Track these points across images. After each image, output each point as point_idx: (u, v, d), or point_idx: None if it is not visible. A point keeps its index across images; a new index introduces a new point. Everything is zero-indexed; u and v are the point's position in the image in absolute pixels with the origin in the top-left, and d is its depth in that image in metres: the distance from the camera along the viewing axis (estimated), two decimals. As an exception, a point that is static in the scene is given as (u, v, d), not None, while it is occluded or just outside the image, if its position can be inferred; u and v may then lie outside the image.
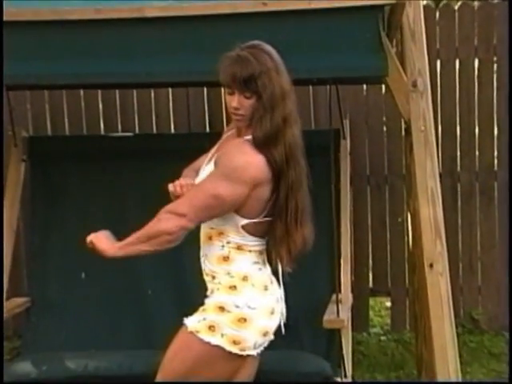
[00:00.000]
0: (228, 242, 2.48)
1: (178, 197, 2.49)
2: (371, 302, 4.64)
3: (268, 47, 2.44)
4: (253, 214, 2.45)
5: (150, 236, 2.41)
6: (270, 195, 2.44)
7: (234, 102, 2.42)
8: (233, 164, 2.39)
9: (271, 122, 2.39)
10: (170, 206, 2.44)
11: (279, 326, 2.55)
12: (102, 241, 2.47)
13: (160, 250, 2.44)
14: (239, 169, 2.38)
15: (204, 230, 2.53)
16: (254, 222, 2.46)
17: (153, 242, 2.41)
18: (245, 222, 2.45)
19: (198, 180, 2.52)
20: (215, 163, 2.45)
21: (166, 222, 2.40)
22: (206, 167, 2.52)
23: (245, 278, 2.48)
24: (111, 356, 3.08)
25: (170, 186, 2.53)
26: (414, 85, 2.92)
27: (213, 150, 2.60)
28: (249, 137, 2.44)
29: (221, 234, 2.48)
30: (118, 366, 2.98)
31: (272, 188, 2.43)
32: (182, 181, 2.54)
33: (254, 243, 2.50)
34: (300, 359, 3.04)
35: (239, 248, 2.48)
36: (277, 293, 2.55)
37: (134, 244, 2.44)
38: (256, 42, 2.45)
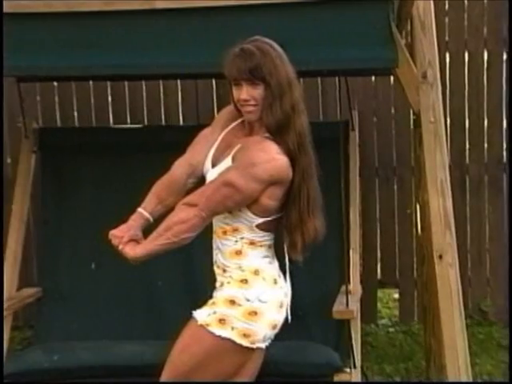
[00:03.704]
0: (242, 238, 2.50)
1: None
2: (379, 293, 4.65)
3: (268, 40, 2.48)
4: (268, 213, 2.47)
5: (166, 228, 2.43)
6: (286, 194, 2.46)
7: (243, 93, 2.43)
8: (251, 160, 2.40)
9: (281, 109, 2.41)
10: (183, 200, 2.46)
11: (286, 318, 2.57)
12: (125, 242, 2.49)
13: (178, 242, 2.44)
14: (257, 165, 2.40)
15: (218, 224, 2.54)
16: (269, 220, 2.48)
17: (169, 234, 2.42)
18: (260, 221, 2.48)
19: (211, 174, 2.52)
20: (233, 158, 2.46)
21: (180, 213, 2.43)
22: (220, 164, 2.50)
23: (256, 272, 2.50)
24: (122, 346, 3.09)
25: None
26: (424, 76, 2.92)
27: (219, 142, 2.58)
28: (266, 134, 2.46)
29: (235, 230, 2.50)
30: (128, 356, 2.99)
31: (289, 187, 2.45)
32: (115, 231, 2.52)
33: (265, 238, 2.52)
34: (309, 350, 3.04)
35: (252, 243, 2.50)
36: (284, 287, 2.57)
37: (153, 240, 2.46)
38: (256, 37, 2.48)
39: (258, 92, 2.42)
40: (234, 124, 2.62)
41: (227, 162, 2.48)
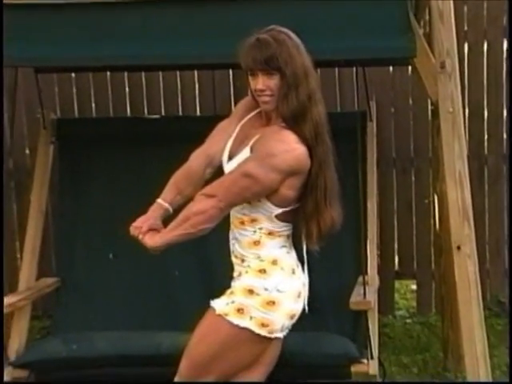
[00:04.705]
0: (260, 228, 2.50)
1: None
2: (397, 284, 4.64)
3: (285, 29, 2.46)
4: (287, 203, 2.47)
5: (184, 219, 2.44)
6: (304, 184, 2.46)
7: (259, 83, 2.43)
8: (270, 150, 2.40)
9: (297, 98, 2.41)
10: (202, 190, 2.47)
11: (303, 308, 2.57)
12: (145, 232, 2.50)
13: (196, 233, 2.45)
14: (276, 156, 2.39)
15: (236, 215, 2.54)
16: (287, 211, 2.48)
17: (187, 225, 2.43)
18: (279, 211, 2.47)
19: (230, 165, 2.52)
20: (252, 149, 2.46)
21: (198, 204, 2.43)
22: (238, 155, 2.50)
23: (274, 262, 2.50)
24: (139, 336, 3.11)
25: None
26: (442, 66, 2.90)
27: (236, 134, 2.58)
28: (283, 123, 2.45)
29: (254, 220, 2.50)
30: (146, 346, 3.01)
31: (306, 177, 2.45)
32: (134, 223, 2.52)
33: (283, 228, 2.52)
34: (326, 340, 3.05)
35: (270, 234, 2.50)
36: (302, 277, 2.57)
37: (172, 230, 2.47)
38: (272, 26, 2.46)
39: (273, 82, 2.42)
40: (250, 115, 2.61)
41: (245, 153, 2.48)
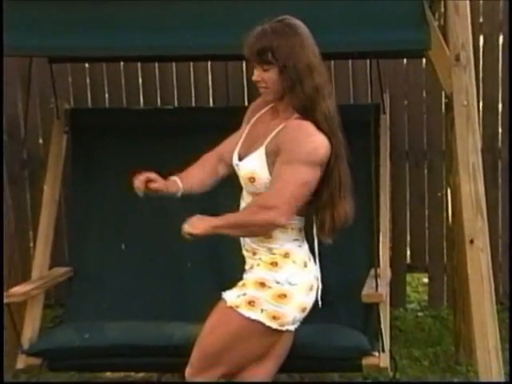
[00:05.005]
0: None
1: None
2: (408, 277, 4.63)
3: (294, 21, 2.42)
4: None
5: (239, 225, 2.46)
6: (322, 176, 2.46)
7: (254, 74, 2.44)
8: (304, 149, 2.38)
9: (303, 92, 2.40)
10: (260, 200, 2.43)
11: (316, 301, 2.57)
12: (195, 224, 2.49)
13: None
14: (312, 152, 2.39)
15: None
16: (302, 203, 2.47)
17: (242, 231, 2.48)
18: None
19: (244, 163, 2.51)
20: (276, 151, 2.42)
21: (255, 216, 2.42)
22: (252, 155, 2.49)
23: (286, 255, 2.49)
24: (151, 326, 3.12)
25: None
26: (457, 59, 2.88)
27: (246, 135, 2.58)
28: (296, 114, 2.44)
29: None
30: (157, 336, 3.02)
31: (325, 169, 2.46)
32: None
33: (296, 221, 2.51)
34: (337, 333, 3.04)
35: (283, 227, 2.48)
36: (314, 270, 2.57)
37: (224, 228, 2.47)
38: (284, 16, 2.44)
39: (268, 75, 2.41)
40: (258, 114, 2.61)
41: (260, 152, 2.46)
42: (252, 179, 2.46)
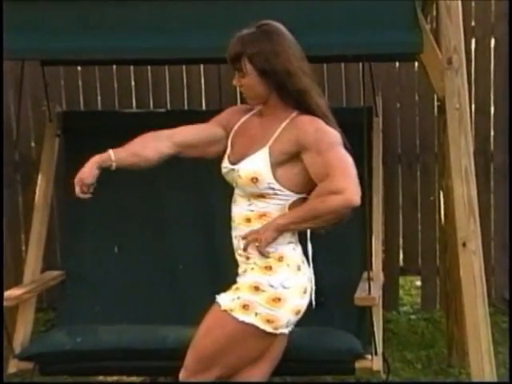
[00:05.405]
0: None
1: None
2: (401, 280, 4.63)
3: (272, 27, 2.45)
4: (302, 188, 2.48)
5: (315, 216, 2.44)
6: None
7: (234, 79, 2.50)
8: (330, 133, 2.45)
9: (290, 94, 2.46)
10: (329, 186, 2.40)
11: (309, 303, 2.57)
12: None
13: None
14: (336, 134, 2.46)
15: (241, 211, 2.53)
16: (300, 198, 2.49)
17: (318, 221, 2.45)
18: (295, 198, 2.48)
19: (245, 168, 2.49)
20: (294, 149, 2.45)
21: (329, 203, 2.40)
22: (252, 156, 2.48)
23: (280, 259, 2.50)
24: (144, 330, 3.11)
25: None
26: (449, 62, 2.89)
27: (231, 137, 2.59)
28: (296, 111, 2.48)
29: (262, 216, 2.50)
30: (151, 339, 3.01)
31: None
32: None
33: None
34: (330, 336, 3.04)
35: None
36: (308, 272, 2.57)
37: (298, 223, 2.47)
38: (265, 21, 2.47)
39: (245, 80, 2.47)
40: (242, 120, 2.62)
41: (263, 153, 2.46)
42: (255, 179, 2.46)
